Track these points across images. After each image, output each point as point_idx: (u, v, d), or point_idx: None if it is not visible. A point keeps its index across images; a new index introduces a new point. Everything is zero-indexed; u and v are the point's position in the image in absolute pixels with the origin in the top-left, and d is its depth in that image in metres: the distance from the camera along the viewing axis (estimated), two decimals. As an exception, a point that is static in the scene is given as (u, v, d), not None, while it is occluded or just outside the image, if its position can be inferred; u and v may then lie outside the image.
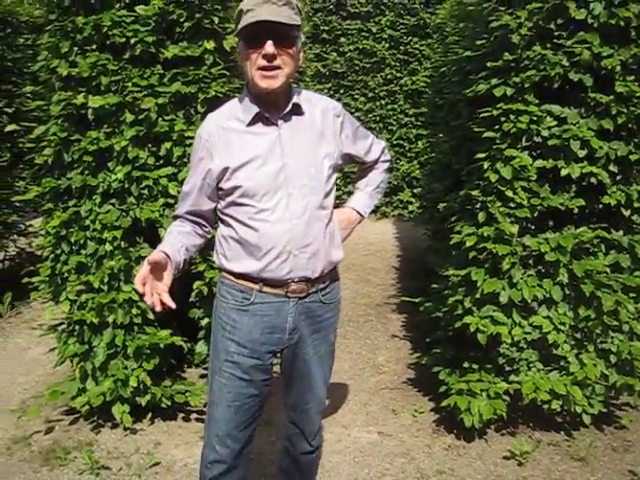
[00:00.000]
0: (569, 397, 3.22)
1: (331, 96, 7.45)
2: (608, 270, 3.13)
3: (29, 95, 5.25)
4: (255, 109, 1.98)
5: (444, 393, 3.43)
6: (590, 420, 3.31)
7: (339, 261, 2.18)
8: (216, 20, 3.11)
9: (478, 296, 3.18)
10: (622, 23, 2.97)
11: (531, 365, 3.30)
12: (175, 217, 2.20)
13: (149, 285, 1.84)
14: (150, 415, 3.52)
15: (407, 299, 4.28)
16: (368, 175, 2.39)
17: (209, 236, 2.23)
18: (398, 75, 8.49)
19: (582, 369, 3.21)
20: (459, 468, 3.16)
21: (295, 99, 2.02)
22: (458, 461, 3.23)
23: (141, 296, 1.86)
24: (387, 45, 8.46)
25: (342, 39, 8.40)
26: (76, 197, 3.24)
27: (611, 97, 3.04)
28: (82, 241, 3.25)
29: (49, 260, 3.32)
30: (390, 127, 8.57)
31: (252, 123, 1.99)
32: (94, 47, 3.14)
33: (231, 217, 2.02)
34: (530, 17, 3.02)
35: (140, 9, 3.08)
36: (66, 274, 3.29)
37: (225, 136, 1.99)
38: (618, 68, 2.99)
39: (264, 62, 1.87)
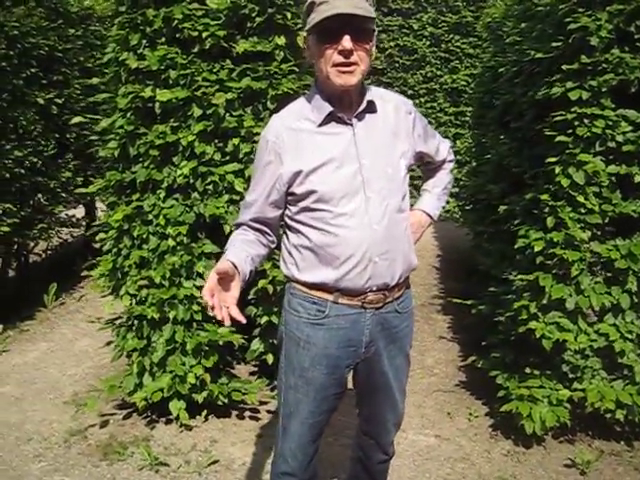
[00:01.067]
0: (634, 407, 3.17)
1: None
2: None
3: (77, 86, 5.26)
4: (328, 108, 1.86)
5: (502, 398, 3.39)
6: (655, 431, 3.26)
7: (416, 266, 2.09)
8: (289, 15, 3.08)
9: (545, 302, 3.13)
10: None
11: (595, 373, 3.25)
12: (238, 225, 2.04)
13: (217, 297, 1.70)
14: (205, 412, 3.50)
15: (457, 300, 4.23)
16: (436, 175, 2.29)
17: (273, 246, 2.07)
18: (438, 73, 8.44)
19: (648, 379, 3.16)
20: (521, 475, 3.12)
21: (369, 96, 1.91)
22: (519, 468, 3.18)
23: (207, 308, 1.73)
24: (428, 42, 8.42)
25: (383, 35, 8.34)
26: (140, 191, 3.22)
27: (689, 103, 2.99)
28: (145, 236, 3.23)
29: (111, 254, 3.30)
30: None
31: (324, 123, 1.87)
32: (163, 40, 3.12)
33: (304, 224, 1.90)
34: (610, 19, 2.96)
35: (212, 2, 3.06)
36: (127, 269, 3.28)
37: (295, 137, 1.87)
38: (700, 73, 2.93)
39: (340, 58, 1.76)
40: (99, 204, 6.19)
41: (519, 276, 3.25)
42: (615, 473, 3.16)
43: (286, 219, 1.98)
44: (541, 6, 3.38)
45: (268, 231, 2.02)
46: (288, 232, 1.98)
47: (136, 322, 3.31)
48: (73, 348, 4.45)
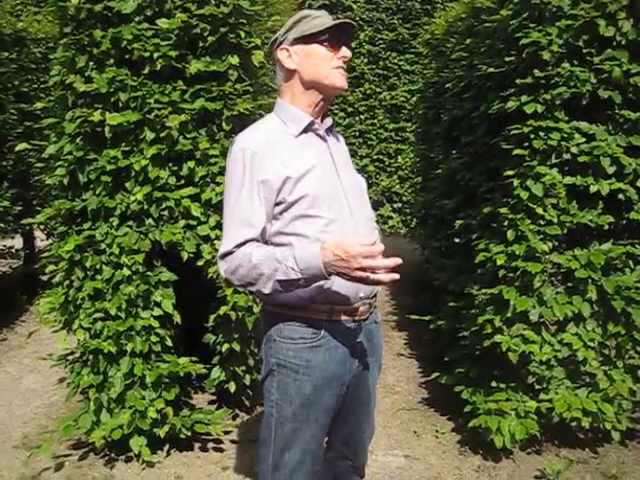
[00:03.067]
0: (599, 414, 3.20)
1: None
2: (639, 285, 3.13)
3: (13, 112, 5.02)
4: (308, 118, 1.93)
5: (469, 413, 3.38)
6: (619, 437, 3.30)
7: None
8: (242, 34, 3.01)
9: (509, 315, 3.14)
10: (650, 41, 3.00)
11: (560, 383, 3.28)
12: (237, 247, 1.83)
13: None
14: (167, 447, 3.35)
15: (414, 317, 4.21)
16: None
17: None
18: (377, 90, 8.53)
19: (612, 385, 3.20)
20: (494, 490, 3.11)
21: (331, 118, 2.08)
22: (491, 483, 3.17)
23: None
24: (366, 60, 8.51)
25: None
26: (91, 219, 3.08)
27: (638, 114, 3.06)
28: (98, 266, 3.08)
29: (62, 286, 3.13)
30: (370, 142, 8.60)
31: (302, 133, 1.92)
32: (112, 62, 3.00)
33: (296, 235, 1.84)
34: (560, 34, 3.01)
35: (162, 22, 2.95)
36: (80, 301, 3.12)
37: (275, 147, 1.86)
38: (646, 85, 3.01)
39: (340, 62, 1.91)
40: (37, 233, 5.93)
41: (482, 290, 3.26)
42: (584, 481, 3.19)
43: (271, 237, 1.88)
44: (489, 22, 3.42)
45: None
46: None
47: (91, 357, 3.15)
48: (19, 387, 4.21)
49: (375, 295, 2.02)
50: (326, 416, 1.99)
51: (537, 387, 3.29)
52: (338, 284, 1.84)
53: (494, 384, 3.33)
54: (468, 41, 3.98)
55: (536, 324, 3.19)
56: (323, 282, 1.79)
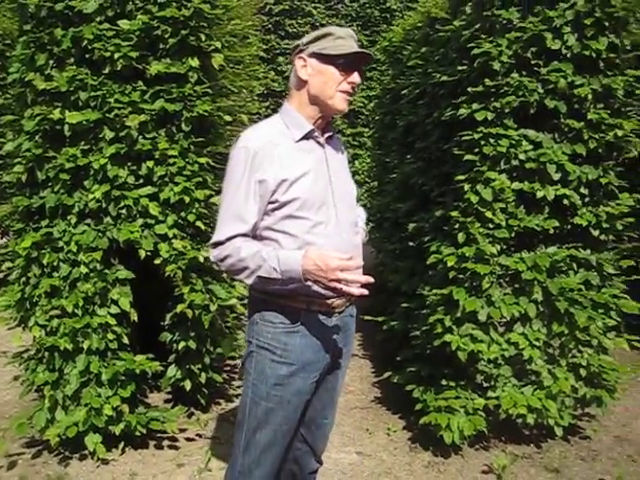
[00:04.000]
0: (543, 411, 3.34)
1: (268, 115, 7.42)
2: (583, 287, 3.27)
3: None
4: (309, 126, 2.06)
5: (419, 411, 3.48)
6: (562, 432, 3.44)
7: None
8: (202, 37, 3.06)
9: (459, 315, 3.25)
10: (593, 55, 3.15)
11: (507, 381, 3.40)
12: (227, 239, 2.00)
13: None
14: (122, 444, 3.37)
15: (367, 317, 4.30)
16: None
17: None
18: (336, 95, 8.56)
19: (555, 383, 3.34)
20: (442, 485, 3.21)
21: (333, 127, 2.22)
22: (440, 478, 3.27)
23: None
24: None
25: (280, 58, 8.45)
26: (49, 217, 3.09)
27: (582, 123, 3.21)
28: (55, 263, 3.09)
29: (18, 283, 3.13)
30: (327, 147, 8.63)
31: (301, 139, 2.06)
32: (72, 61, 3.02)
33: (283, 233, 2.00)
34: (510, 45, 3.15)
35: (123, 23, 2.99)
36: (36, 298, 3.12)
37: (276, 150, 1.99)
38: (590, 96, 3.16)
39: (348, 87, 2.05)
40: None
41: (433, 291, 3.36)
42: (528, 475, 3.31)
43: (261, 231, 2.04)
44: (443, 31, 3.54)
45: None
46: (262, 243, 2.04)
47: (47, 354, 3.15)
48: (-31, 386, 4.17)
49: None
50: (299, 399, 2.11)
51: (485, 385, 3.41)
52: None
53: (444, 382, 3.44)
54: (423, 49, 4.11)
55: (484, 324, 3.31)
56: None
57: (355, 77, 2.05)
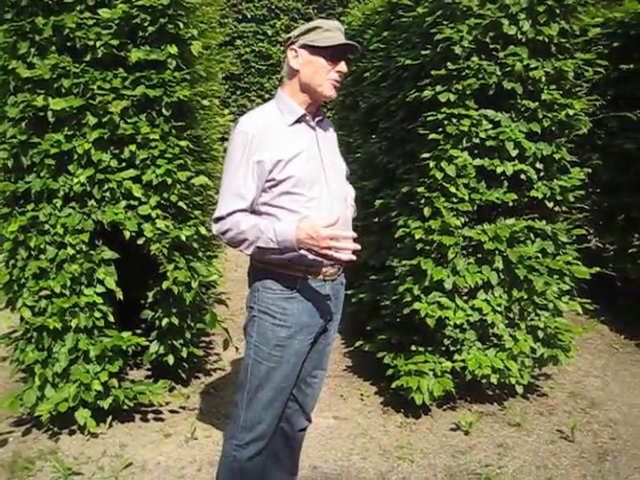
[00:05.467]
0: (505, 371, 3.61)
1: (228, 98, 7.54)
2: (540, 255, 3.54)
3: None
4: (301, 111, 2.28)
5: (390, 376, 3.71)
6: (522, 390, 3.72)
7: None
8: (181, 25, 3.18)
9: (427, 284, 3.48)
10: (546, 39, 3.40)
11: (472, 344, 3.65)
12: (228, 215, 2.20)
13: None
14: (109, 418, 3.51)
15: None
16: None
17: None
18: (293, 77, 8.70)
19: (516, 344, 3.61)
20: (415, 442, 3.45)
21: (323, 112, 2.42)
22: (413, 436, 3.51)
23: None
24: (282, 48, 8.67)
25: (238, 42, 8.54)
26: (34, 201, 3.18)
27: (537, 103, 3.46)
28: (42, 246, 3.19)
29: (6, 266, 3.22)
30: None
31: (294, 123, 2.27)
32: (54, 49, 3.11)
33: (281, 207, 2.20)
34: (470, 31, 3.36)
35: (103, 12, 3.09)
36: (24, 280, 3.22)
37: (271, 133, 2.20)
38: (543, 78, 3.41)
39: (336, 76, 2.26)
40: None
41: (403, 262, 3.58)
42: (493, 430, 3.59)
43: (261, 205, 2.24)
44: (406, 17, 3.73)
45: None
46: (259, 219, 2.22)
47: (35, 334, 3.26)
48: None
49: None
50: (297, 359, 2.33)
51: (452, 349, 3.66)
52: None
53: (413, 348, 3.67)
54: (385, 34, 4.30)
55: (450, 292, 3.54)
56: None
57: (342, 66, 2.25)
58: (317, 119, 2.36)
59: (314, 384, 2.55)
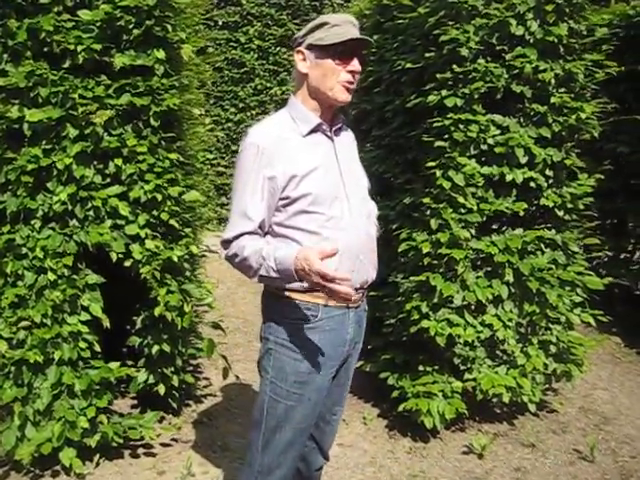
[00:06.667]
0: (517, 389, 3.42)
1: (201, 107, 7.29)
2: (554, 267, 3.37)
3: None
4: (316, 120, 2.04)
5: (396, 398, 3.50)
6: (534, 408, 3.54)
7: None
8: (169, 28, 2.92)
9: (435, 300, 3.28)
10: (555, 40, 3.23)
11: (482, 362, 3.46)
12: (235, 238, 1.98)
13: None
14: (97, 457, 3.21)
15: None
16: None
17: None
18: (268, 85, 8.57)
19: (529, 361, 3.43)
20: (428, 469, 3.24)
21: (341, 117, 2.16)
22: (424, 462, 3.30)
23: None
24: (256, 55, 8.49)
25: (210, 49, 8.27)
26: (10, 222, 2.89)
27: (546, 107, 3.29)
28: (20, 271, 2.90)
29: (-21, 296, 2.92)
30: (262, 138, 8.61)
31: (310, 133, 2.03)
32: (29, 54, 2.82)
33: (297, 229, 1.97)
34: (476, 32, 3.18)
35: (84, 14, 2.82)
36: (0, 310, 2.92)
37: (284, 145, 1.97)
38: (552, 81, 3.25)
39: (349, 77, 1.98)
40: None
41: (410, 278, 3.37)
42: (507, 452, 3.40)
43: (274, 227, 2.01)
44: (402, 19, 3.53)
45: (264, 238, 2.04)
46: (273, 241, 2.01)
47: (14, 369, 2.95)
48: None
49: (368, 285, 2.14)
50: (318, 395, 2.08)
51: (462, 368, 3.46)
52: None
53: (421, 368, 3.46)
54: (376, 37, 4.09)
55: (459, 308, 3.35)
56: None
57: (354, 65, 1.98)
58: (335, 127, 2.11)
59: (334, 421, 2.33)
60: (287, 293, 2.01)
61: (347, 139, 2.20)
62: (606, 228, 5.12)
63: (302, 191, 1.94)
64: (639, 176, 4.86)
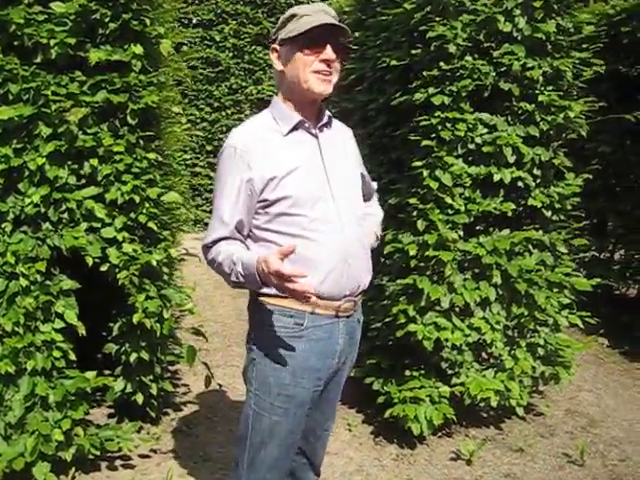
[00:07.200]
0: (505, 392, 3.36)
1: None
2: (542, 268, 3.31)
3: None
4: (297, 117, 1.93)
5: (382, 403, 3.41)
6: (522, 412, 3.48)
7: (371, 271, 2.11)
8: (147, 22, 2.79)
9: (423, 304, 3.20)
10: (543, 37, 3.17)
11: (469, 366, 3.39)
12: (213, 243, 1.92)
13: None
14: (72, 470, 3.07)
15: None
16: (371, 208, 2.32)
17: None
18: (243, 84, 8.45)
19: (516, 364, 3.37)
20: (416, 476, 3.16)
21: (328, 112, 2.02)
22: (412, 470, 3.22)
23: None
24: (231, 54, 8.35)
25: (184, 47, 8.11)
26: (-22, 226, 2.75)
27: (533, 106, 3.23)
28: (-11, 278, 2.75)
29: (-55, 304, 2.76)
30: (237, 137, 8.50)
31: (291, 132, 1.93)
32: (-4, 49, 2.68)
33: (277, 232, 1.87)
34: (464, 28, 3.10)
35: (57, 6, 2.68)
36: (-33, 319, 2.77)
37: (263, 145, 1.89)
38: (540, 79, 3.18)
39: (322, 66, 1.86)
40: None
41: (397, 280, 3.28)
42: (495, 457, 3.34)
43: (255, 231, 1.93)
44: (385, 15, 3.44)
45: (244, 242, 1.96)
46: (254, 245, 1.92)
47: (-19, 380, 2.81)
48: None
49: (360, 293, 2.02)
50: (303, 410, 1.97)
51: (449, 372, 3.39)
52: (324, 277, 1.86)
53: (407, 373, 3.38)
54: (357, 34, 3.99)
55: (446, 311, 3.27)
56: (310, 276, 1.74)
57: (326, 53, 1.84)
58: (320, 124, 1.99)
59: (325, 436, 2.23)
60: (271, 300, 1.90)
61: (337, 136, 2.06)
62: (587, 228, 5.10)
63: (280, 193, 1.85)
64: (620, 176, 4.85)
